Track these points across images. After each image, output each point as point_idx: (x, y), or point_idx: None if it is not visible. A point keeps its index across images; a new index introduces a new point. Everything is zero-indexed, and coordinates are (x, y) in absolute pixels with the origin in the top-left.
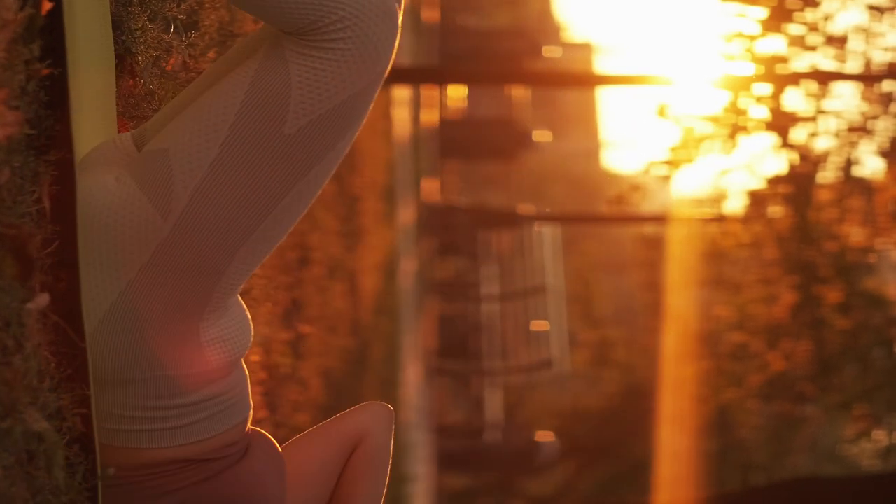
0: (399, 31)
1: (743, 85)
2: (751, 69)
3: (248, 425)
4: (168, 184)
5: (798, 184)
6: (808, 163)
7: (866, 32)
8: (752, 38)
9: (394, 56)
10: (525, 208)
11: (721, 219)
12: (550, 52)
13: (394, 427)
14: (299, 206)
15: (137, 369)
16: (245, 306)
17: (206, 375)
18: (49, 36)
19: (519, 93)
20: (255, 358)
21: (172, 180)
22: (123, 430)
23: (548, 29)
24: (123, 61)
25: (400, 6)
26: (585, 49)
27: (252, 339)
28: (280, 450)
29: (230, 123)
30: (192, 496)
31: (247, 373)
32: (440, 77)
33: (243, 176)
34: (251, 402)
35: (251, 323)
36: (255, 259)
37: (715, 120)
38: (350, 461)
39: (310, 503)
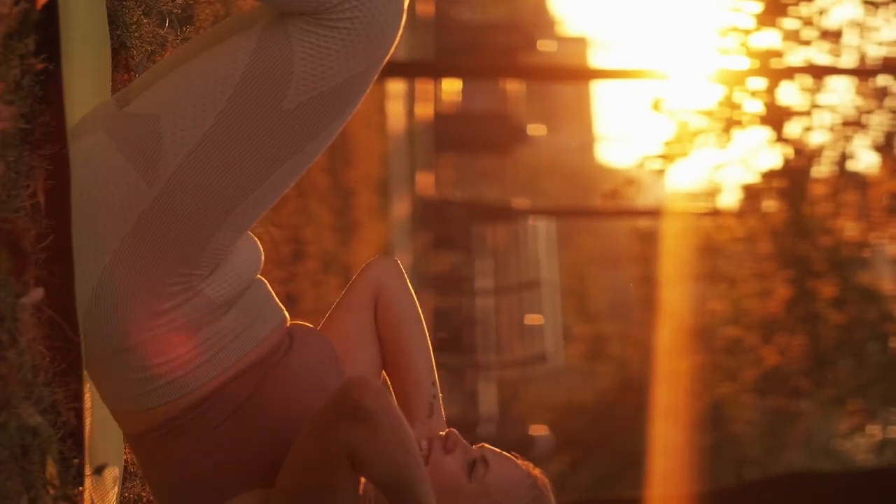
0: (404, 14)
1: (737, 79)
2: (745, 63)
3: (286, 326)
4: (156, 150)
5: (792, 178)
6: (803, 157)
7: (861, 27)
8: (747, 32)
9: (398, 39)
10: (519, 202)
11: (715, 213)
12: (545, 46)
13: (404, 273)
14: (290, 179)
15: (138, 333)
16: (251, 235)
17: (212, 313)
18: (44, 30)
19: (514, 87)
20: None
21: (161, 147)
22: (147, 391)
23: (543, 23)
24: (118, 56)
25: None
26: (580, 43)
27: (262, 262)
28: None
29: (228, 96)
30: (251, 406)
31: (265, 284)
32: (435, 71)
33: (236, 148)
34: (281, 307)
35: (259, 248)
36: (243, 227)
37: (709, 114)
38: (378, 318)
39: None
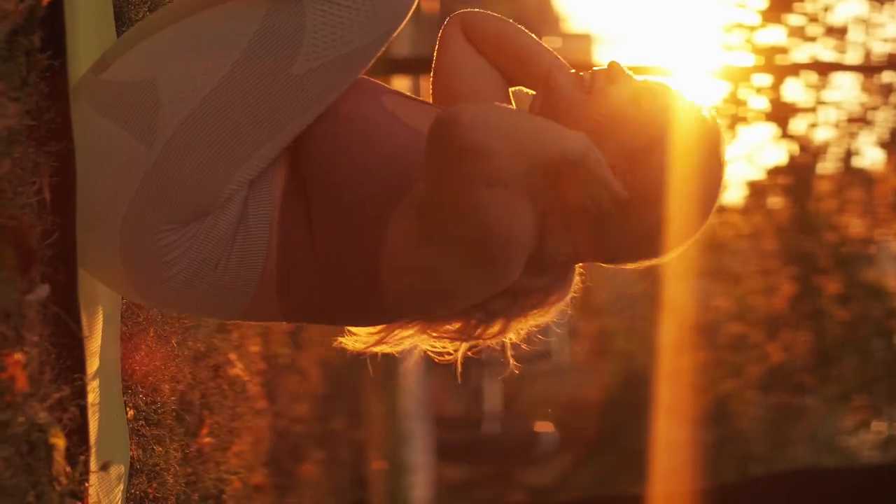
0: None
1: (743, 75)
2: (750, 60)
3: None
4: (153, 113)
5: (798, 175)
6: (808, 154)
7: (866, 23)
8: (752, 28)
9: (412, 10)
10: None
11: (721, 209)
12: (550, 42)
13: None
14: (286, 143)
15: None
16: None
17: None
18: (50, 27)
19: None
20: (254, 349)
21: (159, 110)
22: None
23: (547, 19)
24: None
25: None
26: (585, 40)
27: None
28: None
29: (234, 60)
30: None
31: None
32: None
33: (240, 108)
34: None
35: None
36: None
37: (714, 110)
38: (476, 43)
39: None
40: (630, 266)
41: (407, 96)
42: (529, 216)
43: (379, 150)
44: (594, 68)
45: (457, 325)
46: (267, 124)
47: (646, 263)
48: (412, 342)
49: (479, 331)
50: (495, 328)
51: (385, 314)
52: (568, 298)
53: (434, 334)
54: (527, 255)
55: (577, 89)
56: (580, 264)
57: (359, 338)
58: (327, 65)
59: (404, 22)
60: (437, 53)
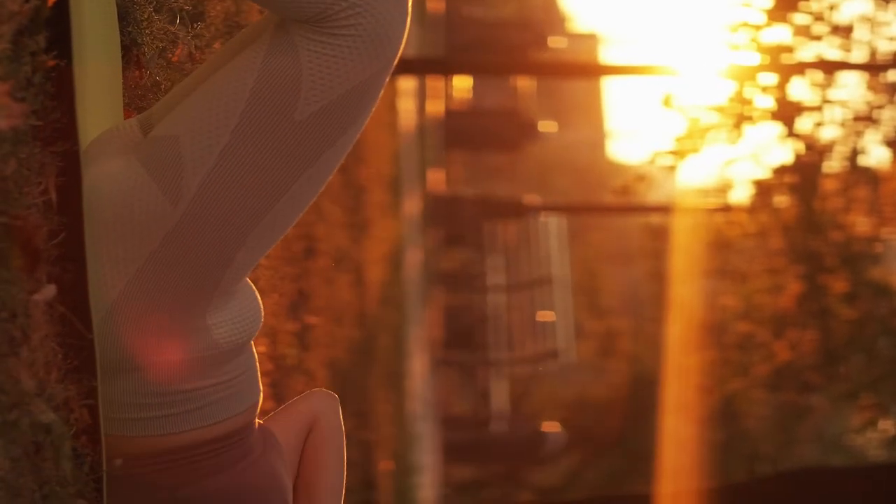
0: (409, 16)
1: (748, 74)
2: (756, 59)
3: (258, 410)
4: (178, 170)
5: (804, 173)
6: (814, 152)
7: (872, 22)
8: (758, 27)
9: (404, 40)
10: (531, 199)
11: (727, 209)
12: (555, 42)
13: (340, 413)
14: (309, 191)
15: (146, 356)
16: (254, 288)
17: (216, 358)
18: (55, 27)
19: (524, 83)
20: (261, 349)
21: (183, 167)
22: (132, 417)
23: (553, 19)
24: (129, 52)
25: None
26: (590, 39)
27: (262, 320)
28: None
29: (240, 111)
30: (213, 487)
31: (256, 356)
32: (446, 68)
33: (254, 162)
34: (260, 386)
35: (261, 304)
36: (265, 245)
37: (720, 110)
38: (307, 447)
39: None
40: None
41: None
42: None
43: None
44: None
45: None
46: (278, 178)
47: None
48: None
49: None
50: None
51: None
52: None
53: None
54: None
55: None
56: None
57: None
58: (328, 107)
59: (400, 51)
60: (285, 408)
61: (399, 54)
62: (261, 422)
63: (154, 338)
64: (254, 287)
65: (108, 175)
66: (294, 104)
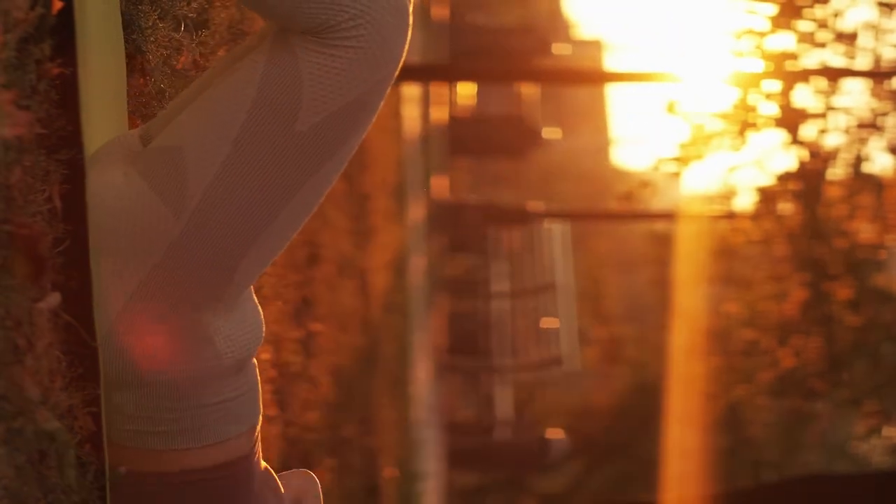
0: (411, 26)
1: (752, 81)
2: (760, 66)
3: (258, 432)
4: (181, 181)
5: (808, 180)
6: (818, 159)
7: (876, 29)
8: (762, 34)
9: (406, 51)
10: (535, 205)
11: (731, 216)
12: (560, 49)
13: (321, 497)
14: (311, 200)
15: (148, 370)
16: (257, 302)
17: (218, 373)
18: (60, 35)
19: (528, 90)
20: (265, 356)
21: (186, 178)
22: (133, 430)
23: (557, 26)
24: (134, 60)
25: (411, 2)
26: (595, 46)
27: (263, 336)
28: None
29: (241, 122)
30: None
31: (258, 377)
32: (450, 74)
33: (255, 173)
34: (261, 407)
35: (262, 319)
36: (269, 255)
37: (724, 117)
38: None
39: None
40: None
41: None
42: None
43: None
44: None
45: None
46: (280, 189)
47: None
48: None
49: None
50: None
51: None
52: None
53: None
54: None
55: None
56: None
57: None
58: (330, 118)
59: (402, 61)
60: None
61: (401, 65)
62: (265, 464)
63: (156, 351)
64: (256, 301)
65: (111, 186)
66: (295, 115)
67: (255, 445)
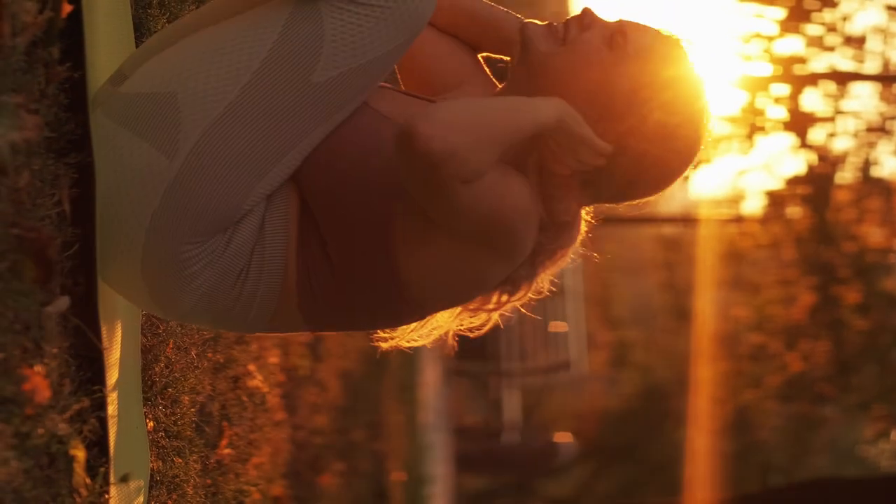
0: None
1: (761, 85)
2: (769, 69)
3: None
4: (175, 125)
5: (816, 184)
6: (827, 163)
7: (884, 33)
8: (770, 38)
9: (429, 18)
10: None
11: (739, 219)
12: None
13: None
14: (309, 151)
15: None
16: None
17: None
18: (69, 38)
19: None
20: (273, 360)
21: (180, 121)
22: None
23: None
24: None
25: None
26: None
27: None
28: None
29: (254, 70)
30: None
31: None
32: None
33: (261, 118)
34: None
35: None
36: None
37: (733, 120)
38: (439, 17)
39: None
40: (634, 202)
41: (393, 90)
42: (524, 187)
43: (372, 157)
44: (567, 18)
45: (485, 301)
46: (288, 134)
47: (648, 198)
48: (443, 329)
49: (506, 298)
50: (521, 292)
51: (417, 312)
52: (579, 239)
53: (465, 314)
54: (536, 223)
55: (551, 40)
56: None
57: (393, 334)
58: (347, 73)
59: (424, 27)
60: None
61: (421, 33)
62: None
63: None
64: None
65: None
66: (313, 67)
67: None
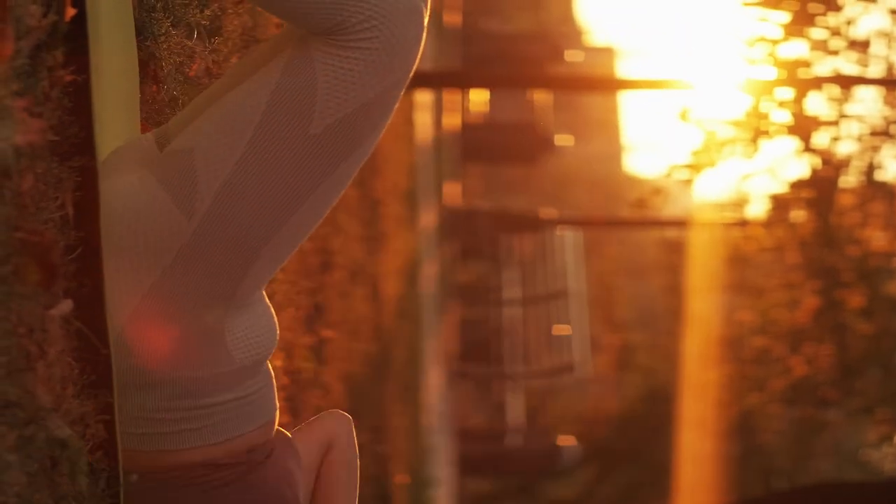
0: (425, 29)
1: (765, 89)
2: (773, 73)
3: (275, 427)
4: (192, 184)
5: (820, 188)
6: (831, 167)
7: (889, 37)
8: (775, 42)
9: (420, 55)
10: (547, 212)
11: (743, 223)
12: (572, 56)
13: (354, 435)
14: (324, 203)
15: (161, 371)
16: (270, 305)
17: (231, 375)
18: (73, 42)
19: (541, 97)
20: (277, 363)
21: (196, 180)
22: (148, 433)
23: (570, 33)
24: (147, 67)
25: (426, 5)
26: (607, 53)
27: (277, 339)
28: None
29: (256, 123)
30: (220, 498)
31: (272, 374)
32: (462, 81)
33: (268, 175)
34: (277, 403)
35: (276, 323)
36: (280, 257)
37: (737, 124)
38: (324, 466)
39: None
40: None
41: None
42: None
43: None
44: None
45: None
46: (293, 192)
47: None
48: None
49: None
50: None
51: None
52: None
53: None
54: None
55: None
56: None
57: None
58: (344, 120)
59: (416, 64)
60: (304, 426)
61: (414, 68)
62: (280, 429)
63: (169, 353)
64: (270, 305)
65: (123, 190)
66: (310, 117)
67: (270, 437)
